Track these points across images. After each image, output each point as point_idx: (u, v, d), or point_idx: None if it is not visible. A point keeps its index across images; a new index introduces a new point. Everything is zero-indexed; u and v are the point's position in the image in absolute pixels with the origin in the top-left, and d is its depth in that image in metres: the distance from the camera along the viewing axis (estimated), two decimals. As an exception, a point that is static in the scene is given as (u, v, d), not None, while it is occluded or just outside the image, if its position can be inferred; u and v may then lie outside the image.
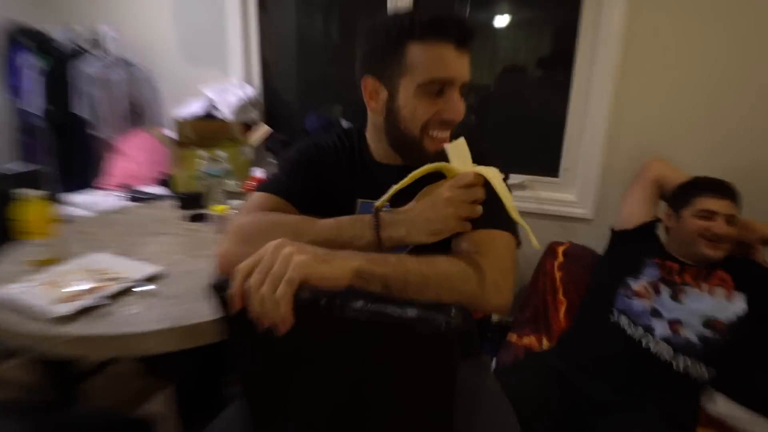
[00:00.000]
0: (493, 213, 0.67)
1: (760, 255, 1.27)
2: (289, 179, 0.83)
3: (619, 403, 1.15)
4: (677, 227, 1.29)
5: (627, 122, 1.65)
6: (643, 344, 1.21)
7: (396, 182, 0.67)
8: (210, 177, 1.59)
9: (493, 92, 1.94)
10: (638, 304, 1.26)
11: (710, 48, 1.52)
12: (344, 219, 0.69)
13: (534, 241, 0.65)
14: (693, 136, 1.59)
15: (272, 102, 2.20)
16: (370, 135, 0.87)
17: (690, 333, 1.19)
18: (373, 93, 0.79)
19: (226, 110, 2.01)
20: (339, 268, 0.57)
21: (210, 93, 2.05)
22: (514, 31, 1.87)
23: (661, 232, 1.38)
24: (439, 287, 0.61)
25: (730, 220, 1.20)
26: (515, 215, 0.66)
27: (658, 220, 1.40)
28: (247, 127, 2.05)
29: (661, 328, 1.21)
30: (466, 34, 0.74)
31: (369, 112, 0.84)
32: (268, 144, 2.01)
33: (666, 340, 1.20)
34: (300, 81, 2.24)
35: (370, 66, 0.78)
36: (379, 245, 0.67)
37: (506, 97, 1.92)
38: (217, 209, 1.40)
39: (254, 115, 2.10)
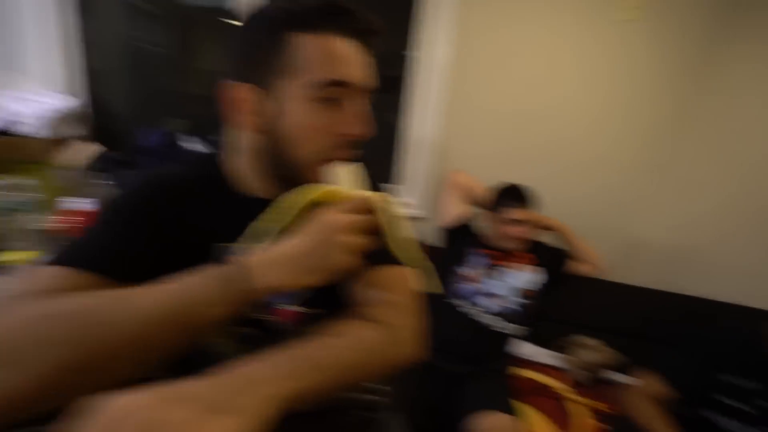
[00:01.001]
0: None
1: (549, 237, 1.72)
2: (107, 239, 0.56)
3: (470, 372, 1.41)
4: (492, 227, 1.62)
5: (455, 137, 1.97)
6: (478, 319, 1.51)
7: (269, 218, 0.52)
8: (5, 212, 1.18)
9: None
10: (468, 288, 1.56)
11: (521, 80, 1.93)
12: (191, 278, 0.47)
13: (435, 283, 0.68)
14: (506, 149, 2.00)
15: (103, 115, 1.96)
16: (236, 160, 0.66)
17: (511, 303, 1.55)
18: (244, 104, 0.59)
19: (33, 124, 1.70)
20: (248, 413, 0.37)
21: (5, 102, 1.70)
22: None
23: (482, 226, 1.72)
24: (370, 367, 0.52)
25: (528, 221, 1.57)
26: (415, 252, 0.56)
27: (476, 217, 1.72)
28: (65, 144, 1.77)
29: (489, 303, 1.54)
30: (371, 27, 0.58)
31: (236, 130, 0.64)
32: (98, 164, 1.78)
33: (494, 312, 1.52)
34: (136, 93, 2.03)
35: (243, 70, 0.59)
36: (247, 300, 0.48)
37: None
38: (14, 257, 0.99)
39: (78, 130, 1.82)
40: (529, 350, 1.70)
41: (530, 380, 1.56)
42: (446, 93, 1.91)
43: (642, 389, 1.27)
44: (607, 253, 1.83)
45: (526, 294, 1.56)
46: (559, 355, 1.71)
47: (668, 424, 1.17)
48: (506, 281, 1.57)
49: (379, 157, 2.10)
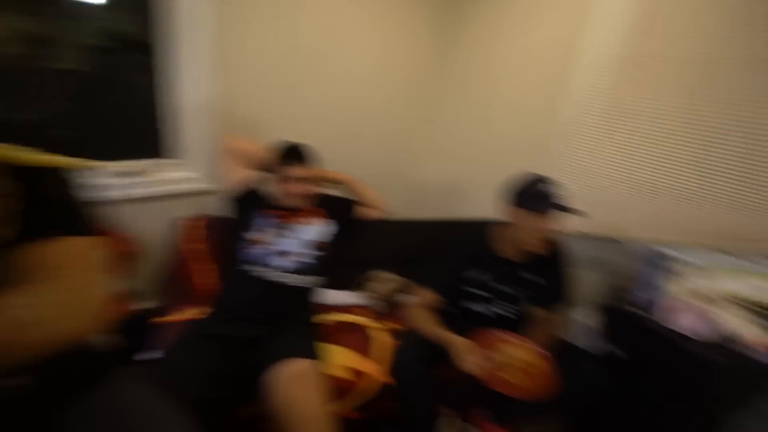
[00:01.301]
0: (62, 214, 0.53)
1: (337, 190, 1.75)
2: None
3: (271, 333, 1.39)
4: (277, 187, 1.58)
5: (234, 101, 1.83)
6: (273, 279, 1.49)
7: None
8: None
9: (86, 77, 1.72)
10: (259, 251, 1.51)
11: (295, 40, 1.86)
12: None
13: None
14: (289, 110, 1.96)
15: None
16: None
17: (306, 257, 1.57)
18: None
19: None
20: None
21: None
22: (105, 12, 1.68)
23: (268, 189, 1.67)
24: (24, 341, 0.46)
25: (310, 177, 1.56)
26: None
27: (261, 181, 1.67)
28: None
29: (284, 262, 1.53)
30: None
31: None
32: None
33: (290, 269, 1.52)
34: None
35: None
36: None
37: (101, 82, 1.75)
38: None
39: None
40: (332, 296, 1.75)
41: (335, 322, 1.61)
42: (218, 54, 1.74)
43: (417, 303, 1.46)
44: (394, 196, 1.97)
45: (320, 246, 1.58)
46: (359, 293, 1.81)
47: (437, 322, 1.38)
48: (298, 237, 1.57)
49: (135, 126, 1.84)
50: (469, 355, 1.23)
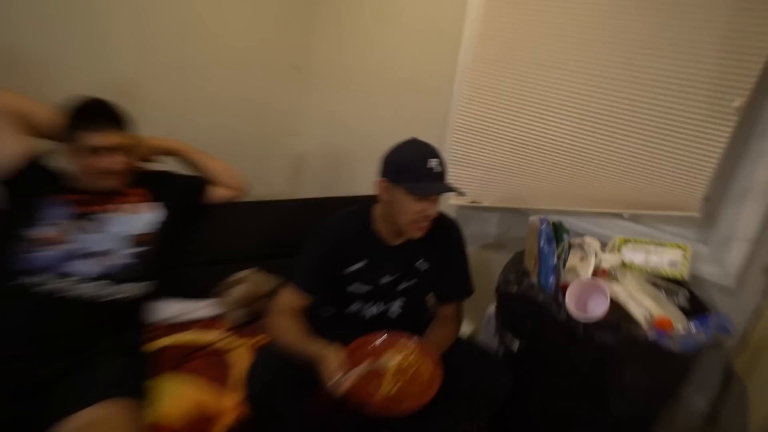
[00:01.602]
0: None
1: (152, 163, 1.39)
2: None
3: (70, 371, 1.04)
4: (74, 162, 1.18)
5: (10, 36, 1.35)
6: (75, 295, 1.12)
7: None
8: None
9: None
10: (46, 255, 1.12)
11: None
12: None
13: None
14: (91, 50, 1.52)
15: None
16: None
17: (122, 258, 1.19)
18: None
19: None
20: None
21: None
22: None
23: (59, 165, 1.24)
24: None
25: (124, 146, 1.19)
26: None
27: (48, 153, 1.25)
28: None
29: (87, 267, 1.14)
30: None
31: None
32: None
33: (96, 277, 1.14)
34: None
35: None
36: None
37: None
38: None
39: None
40: (169, 309, 1.45)
41: (176, 346, 1.34)
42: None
43: (279, 307, 1.21)
44: (264, 171, 1.80)
45: (142, 240, 1.24)
46: (210, 302, 1.53)
47: (304, 330, 1.16)
48: (109, 231, 1.20)
49: None
50: (334, 372, 1.01)
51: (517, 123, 1.62)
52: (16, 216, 1.15)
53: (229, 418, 1.14)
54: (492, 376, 1.21)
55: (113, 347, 1.13)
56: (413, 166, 1.12)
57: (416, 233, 1.18)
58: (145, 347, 1.25)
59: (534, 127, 1.58)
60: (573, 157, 1.54)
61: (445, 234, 1.31)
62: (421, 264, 1.29)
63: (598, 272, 1.30)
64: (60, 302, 1.09)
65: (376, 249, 1.25)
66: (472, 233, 1.83)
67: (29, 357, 1.04)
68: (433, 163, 1.12)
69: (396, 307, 1.31)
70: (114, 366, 1.08)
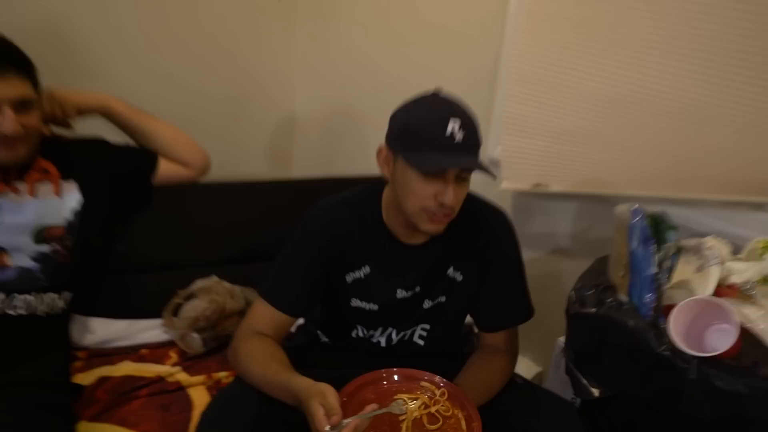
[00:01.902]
0: None
1: (72, 128, 1.37)
2: None
3: None
4: None
5: None
6: None
7: None
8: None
9: None
10: None
11: None
12: None
13: None
14: None
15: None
16: None
17: (22, 259, 1.20)
18: None
19: None
20: None
21: None
22: None
23: None
24: None
25: (22, 102, 1.15)
26: None
27: None
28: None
29: None
30: None
31: None
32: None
33: None
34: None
35: None
36: None
37: None
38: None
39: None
40: (101, 331, 1.46)
41: (111, 380, 1.34)
42: None
43: (247, 330, 1.19)
44: (235, 143, 1.87)
45: (51, 234, 1.24)
46: (157, 321, 1.53)
47: (283, 362, 1.14)
48: (4, 222, 1.20)
49: None
50: (321, 420, 0.95)
51: (600, 68, 1.54)
52: None
53: None
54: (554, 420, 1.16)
55: (25, 380, 1.14)
56: (424, 129, 1.04)
57: (429, 226, 1.11)
58: (72, 379, 1.27)
59: (627, 74, 1.51)
60: (687, 115, 1.45)
61: (489, 233, 1.25)
62: (453, 274, 1.23)
63: (723, 289, 1.19)
64: None
65: (385, 250, 1.19)
66: (535, 231, 1.83)
67: None
68: (453, 125, 1.03)
69: (417, 336, 1.28)
70: (25, 405, 1.09)
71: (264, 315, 1.17)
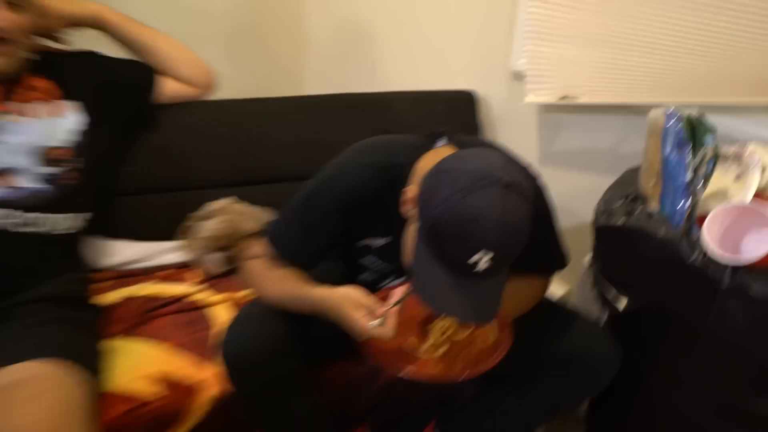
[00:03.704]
0: None
1: (65, 41, 1.33)
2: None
3: None
4: None
5: None
6: None
7: None
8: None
9: None
10: None
11: None
12: None
13: None
14: None
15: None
16: None
17: (34, 180, 1.19)
18: None
19: None
20: None
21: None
22: None
23: None
24: None
25: (15, 4, 1.13)
26: None
27: None
28: None
29: None
30: None
31: None
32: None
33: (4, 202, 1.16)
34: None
35: None
36: None
37: None
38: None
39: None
40: (122, 253, 1.48)
41: (133, 301, 1.38)
42: None
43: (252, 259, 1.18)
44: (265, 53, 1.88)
45: (55, 156, 1.22)
46: (175, 243, 1.54)
47: (298, 273, 1.13)
48: (7, 141, 1.18)
49: None
50: (363, 317, 0.96)
51: None
52: None
53: (212, 391, 1.17)
54: (589, 348, 1.14)
55: (46, 297, 1.16)
56: (450, 247, 0.92)
57: None
58: (92, 300, 1.28)
59: None
60: (729, 8, 1.31)
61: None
62: None
63: (764, 197, 1.12)
64: None
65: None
66: (562, 149, 1.78)
67: None
68: (482, 257, 0.91)
69: None
70: (48, 319, 1.11)
71: (273, 261, 1.14)
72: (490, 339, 1.07)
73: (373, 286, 1.20)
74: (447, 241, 0.89)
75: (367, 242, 1.17)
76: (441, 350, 1.06)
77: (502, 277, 0.95)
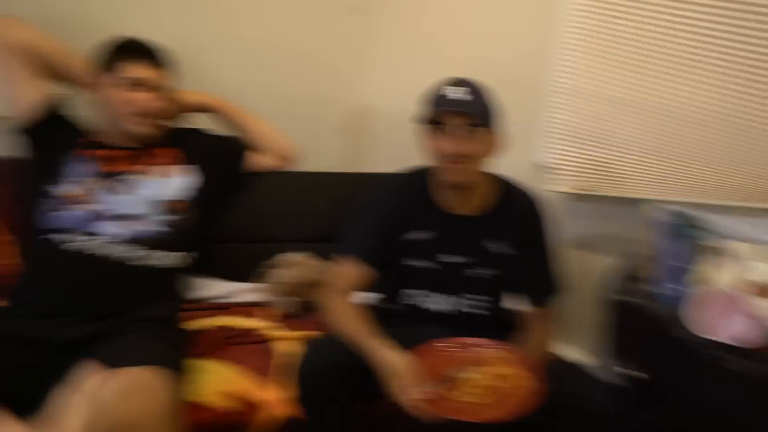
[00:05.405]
0: None
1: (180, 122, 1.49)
2: None
3: (102, 334, 1.18)
4: (105, 106, 1.32)
5: None
6: (103, 255, 1.26)
7: None
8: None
9: None
10: (73, 215, 1.28)
11: None
12: None
13: None
14: None
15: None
16: None
17: (154, 224, 1.33)
18: None
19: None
20: None
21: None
22: None
23: (84, 115, 1.39)
24: None
25: (160, 86, 1.31)
26: None
27: (69, 100, 1.39)
28: None
29: (115, 228, 1.29)
30: None
31: None
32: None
33: (126, 240, 1.29)
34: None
35: None
36: None
37: None
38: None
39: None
40: (210, 289, 1.60)
41: (216, 328, 1.48)
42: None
43: (336, 286, 1.27)
44: (317, 137, 1.82)
45: (175, 207, 1.37)
46: (255, 284, 1.64)
47: (369, 323, 1.19)
48: (138, 194, 1.34)
49: None
50: (406, 384, 1.03)
51: (647, 82, 1.58)
52: (40, 170, 1.32)
53: (273, 410, 1.23)
54: (591, 392, 1.15)
55: (146, 318, 1.25)
56: (430, 97, 1.14)
57: (448, 177, 1.20)
58: (182, 324, 1.37)
59: (671, 88, 1.55)
60: (729, 128, 1.47)
61: (531, 212, 1.30)
62: (496, 246, 1.27)
63: (745, 285, 1.23)
64: (89, 260, 1.25)
65: (443, 219, 1.26)
66: (575, 231, 1.83)
67: (65, 314, 1.19)
68: (452, 90, 1.11)
69: (465, 305, 1.31)
70: (147, 336, 1.19)
71: (347, 271, 1.25)
72: (524, 385, 1.07)
73: (422, 308, 1.30)
74: (430, 96, 1.11)
75: (413, 236, 1.26)
76: (476, 393, 1.07)
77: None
